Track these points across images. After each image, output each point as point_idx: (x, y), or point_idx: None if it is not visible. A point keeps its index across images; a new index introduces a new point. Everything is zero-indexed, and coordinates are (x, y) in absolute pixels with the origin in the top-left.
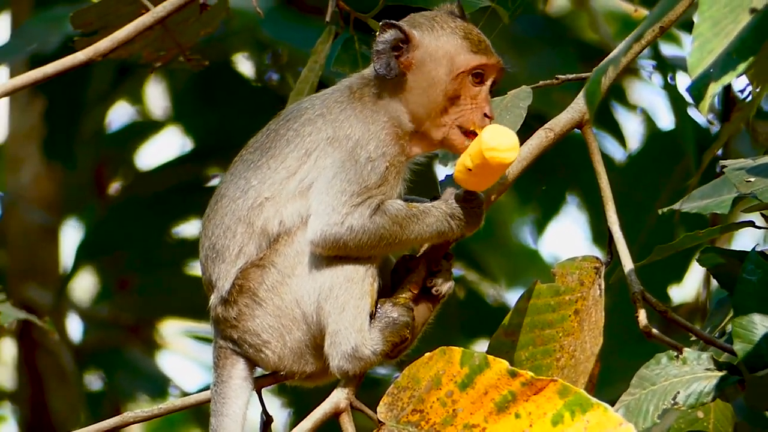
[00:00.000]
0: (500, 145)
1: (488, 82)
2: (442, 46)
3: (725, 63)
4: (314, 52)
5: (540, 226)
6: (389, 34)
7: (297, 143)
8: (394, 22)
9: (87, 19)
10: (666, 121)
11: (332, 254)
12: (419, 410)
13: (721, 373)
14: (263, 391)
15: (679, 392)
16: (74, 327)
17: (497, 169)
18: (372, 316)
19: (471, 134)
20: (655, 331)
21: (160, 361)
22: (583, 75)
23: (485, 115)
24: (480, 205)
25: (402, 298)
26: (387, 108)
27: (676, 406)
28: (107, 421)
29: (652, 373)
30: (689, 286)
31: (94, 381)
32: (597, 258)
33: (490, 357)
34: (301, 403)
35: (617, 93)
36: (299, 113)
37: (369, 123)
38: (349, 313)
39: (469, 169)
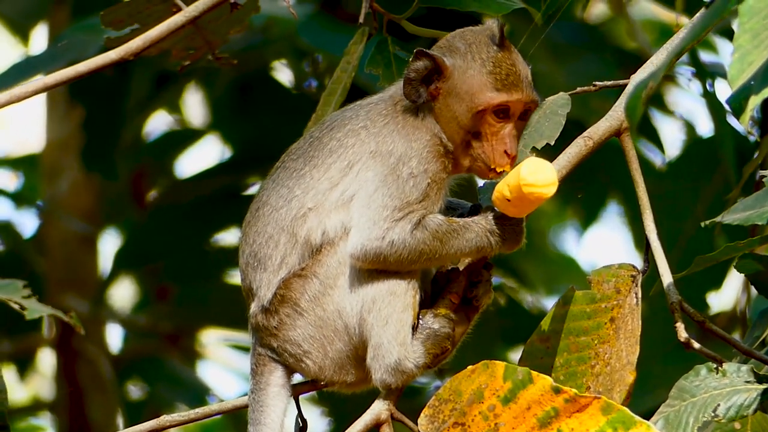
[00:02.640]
0: (538, 181)
1: (514, 117)
2: (467, 80)
3: (766, 75)
4: (347, 53)
5: (579, 233)
6: (422, 64)
7: (340, 154)
8: (428, 51)
9: (118, 17)
10: (705, 126)
11: (372, 268)
12: (461, 423)
13: (761, 386)
14: (301, 397)
15: (719, 405)
16: (114, 336)
17: (535, 202)
18: (414, 327)
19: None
20: (695, 343)
21: (199, 370)
22: (621, 82)
23: (505, 152)
24: (520, 223)
25: (443, 309)
26: (428, 125)
27: (716, 419)
28: (144, 424)
29: (691, 385)
30: (728, 292)
31: (134, 390)
32: (633, 266)
33: (534, 372)
34: (339, 412)
35: (655, 99)
36: (343, 122)
37: (411, 140)
38: (392, 327)
39: (508, 200)
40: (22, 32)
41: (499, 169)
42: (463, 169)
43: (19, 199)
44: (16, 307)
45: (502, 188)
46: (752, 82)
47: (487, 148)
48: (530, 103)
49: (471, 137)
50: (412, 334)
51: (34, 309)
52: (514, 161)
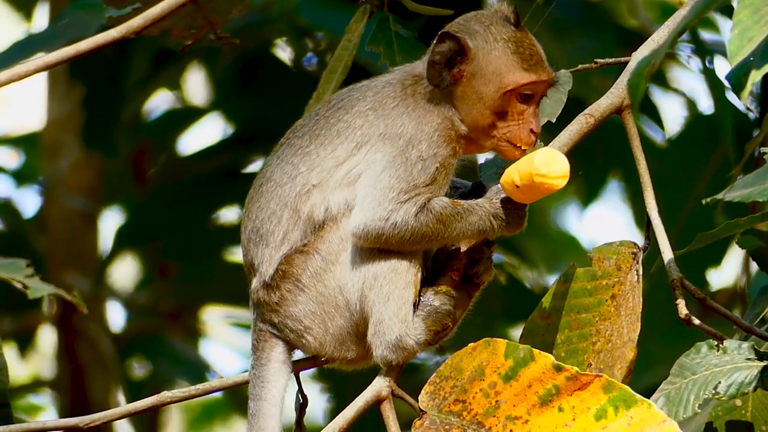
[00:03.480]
0: (551, 172)
1: (537, 97)
2: (492, 61)
3: (766, 51)
4: (348, 30)
5: (580, 211)
6: (447, 46)
7: (348, 135)
8: (453, 33)
9: None
10: (705, 104)
11: (373, 247)
12: (461, 400)
13: (762, 363)
14: (302, 375)
15: (720, 382)
16: (116, 315)
17: (544, 192)
18: (415, 305)
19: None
20: (695, 320)
21: (200, 348)
22: (623, 59)
23: (531, 131)
24: (523, 208)
25: (444, 286)
26: (440, 108)
27: (717, 396)
28: (144, 400)
29: (692, 363)
30: (728, 269)
31: (136, 368)
32: (634, 243)
33: (535, 350)
34: (340, 389)
35: (657, 76)
36: (350, 103)
37: (422, 123)
38: (394, 303)
39: (517, 186)
40: (24, 10)
41: (524, 147)
42: (485, 149)
43: (20, 177)
44: (19, 286)
45: (513, 173)
46: (752, 58)
47: (514, 128)
48: (552, 82)
49: (496, 118)
50: (414, 312)
51: (37, 288)
52: (537, 138)
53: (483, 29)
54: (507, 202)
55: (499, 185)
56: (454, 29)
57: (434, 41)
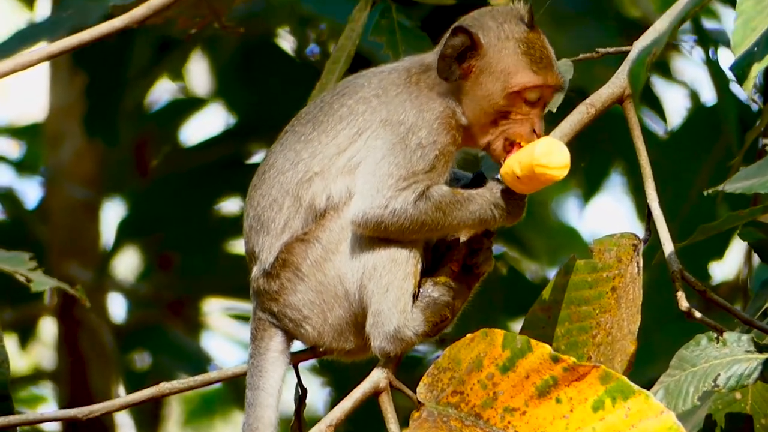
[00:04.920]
0: (551, 162)
1: (543, 100)
2: (502, 59)
3: None
4: (351, 20)
5: (582, 204)
6: (459, 40)
7: (350, 121)
8: (466, 27)
9: None
10: (707, 95)
11: (373, 236)
12: (459, 392)
13: (762, 356)
14: (300, 366)
15: (719, 374)
16: (117, 306)
17: (545, 183)
18: (414, 296)
19: (516, 145)
20: (696, 312)
21: (201, 340)
22: (624, 48)
23: (533, 131)
24: (523, 198)
25: (443, 277)
26: (443, 97)
27: (716, 389)
28: (144, 391)
29: (692, 355)
30: (731, 262)
31: (137, 360)
32: (635, 235)
33: (533, 341)
34: (340, 382)
35: (660, 66)
36: (354, 89)
37: (424, 111)
38: (393, 294)
39: (518, 177)
40: None
41: (524, 144)
42: (478, 147)
43: (21, 167)
44: (22, 279)
45: (513, 164)
46: (756, 48)
47: (516, 124)
48: (559, 88)
49: (499, 116)
50: (413, 303)
51: (40, 282)
52: None
53: (496, 26)
54: (507, 192)
55: (499, 176)
56: (467, 23)
57: (447, 34)
